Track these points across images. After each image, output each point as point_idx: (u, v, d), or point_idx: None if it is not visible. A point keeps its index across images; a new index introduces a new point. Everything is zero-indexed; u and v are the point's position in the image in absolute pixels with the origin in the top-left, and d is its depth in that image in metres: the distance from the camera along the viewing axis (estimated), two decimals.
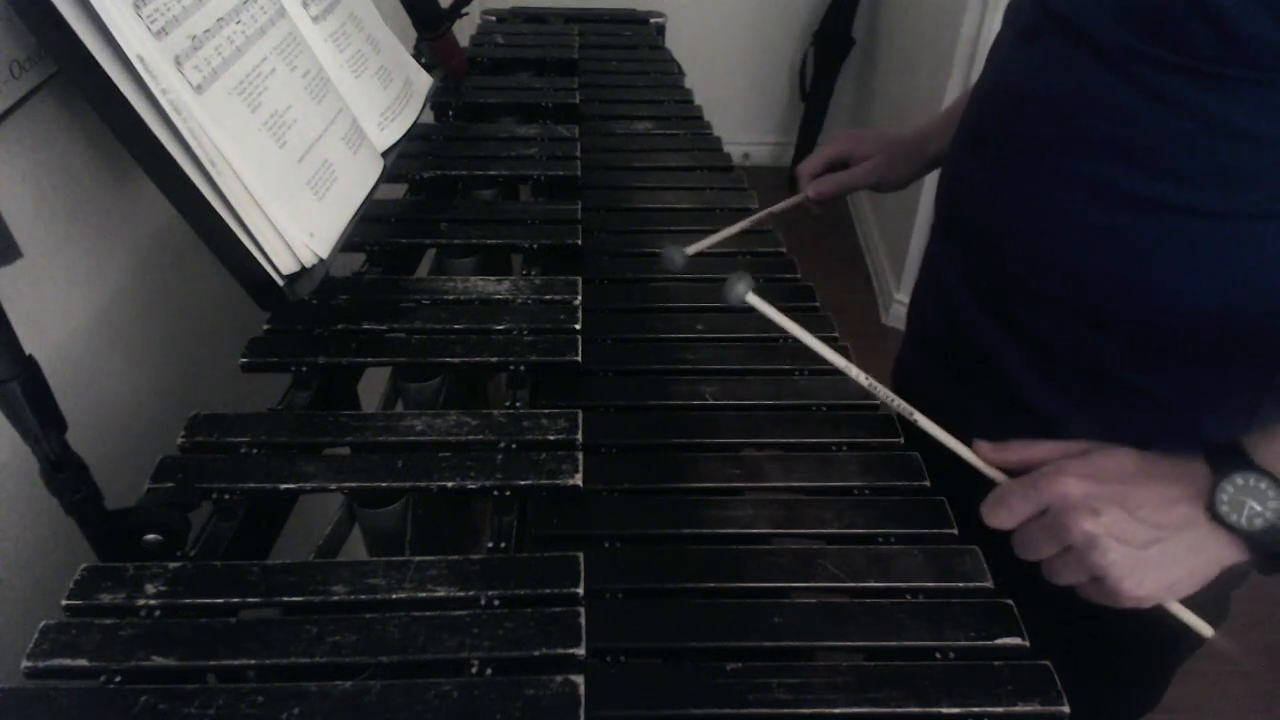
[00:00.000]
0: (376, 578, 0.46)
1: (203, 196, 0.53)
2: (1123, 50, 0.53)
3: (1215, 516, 0.47)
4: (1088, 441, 0.52)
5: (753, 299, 0.55)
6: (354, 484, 0.52)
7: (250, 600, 0.46)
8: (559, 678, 0.42)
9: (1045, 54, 0.59)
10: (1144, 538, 0.47)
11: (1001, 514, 0.51)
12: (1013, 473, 0.53)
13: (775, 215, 0.82)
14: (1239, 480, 0.47)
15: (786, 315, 0.56)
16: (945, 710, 0.44)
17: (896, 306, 2.27)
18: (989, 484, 0.54)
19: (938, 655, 0.47)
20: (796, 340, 0.57)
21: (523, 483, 0.53)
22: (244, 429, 0.55)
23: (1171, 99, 0.52)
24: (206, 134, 0.52)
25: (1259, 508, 0.46)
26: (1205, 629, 0.50)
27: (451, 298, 0.68)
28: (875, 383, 0.56)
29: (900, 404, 0.55)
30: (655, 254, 0.81)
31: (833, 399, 0.64)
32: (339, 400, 0.65)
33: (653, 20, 1.42)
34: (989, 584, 0.51)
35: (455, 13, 0.92)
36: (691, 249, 0.70)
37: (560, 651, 0.43)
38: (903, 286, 2.24)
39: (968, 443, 0.54)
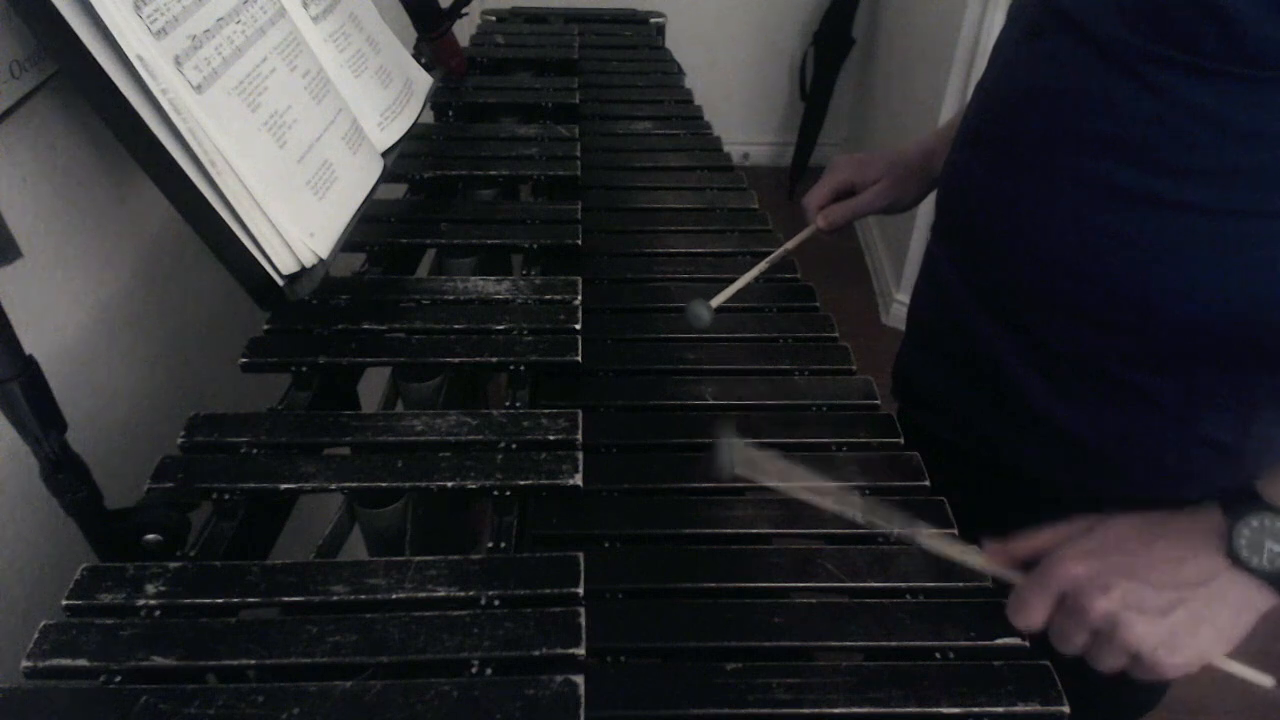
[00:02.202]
0: (376, 578, 0.46)
1: (203, 196, 0.53)
2: (1126, 48, 0.53)
3: (1236, 561, 0.46)
4: (1092, 517, 0.51)
5: (741, 470, 0.52)
6: (354, 484, 0.52)
7: (250, 600, 0.46)
8: (559, 678, 0.42)
9: (1049, 51, 0.59)
10: (1163, 603, 0.46)
11: (1025, 615, 0.49)
12: (1026, 568, 0.51)
13: (790, 251, 0.80)
14: (1254, 522, 0.46)
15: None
16: (945, 710, 0.44)
17: (896, 306, 2.27)
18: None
19: (938, 655, 0.47)
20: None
21: (523, 483, 0.53)
22: (244, 429, 0.55)
23: (1174, 97, 0.52)
24: (206, 134, 0.52)
25: (1278, 548, 0.45)
26: (1265, 680, 0.48)
27: (451, 298, 0.68)
28: (874, 511, 0.53)
29: (902, 528, 0.53)
30: (655, 254, 0.81)
31: (833, 399, 0.64)
32: (339, 400, 0.65)
33: (653, 20, 1.43)
34: (989, 584, 0.51)
35: (455, 13, 0.92)
36: (715, 301, 0.69)
37: (560, 651, 0.43)
38: (903, 286, 2.24)
39: (982, 539, 0.52)
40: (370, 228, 0.76)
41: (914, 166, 0.84)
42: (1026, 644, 0.48)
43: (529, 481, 0.53)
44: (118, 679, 0.42)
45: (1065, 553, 0.48)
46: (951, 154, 0.71)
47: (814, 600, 0.50)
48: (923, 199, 0.88)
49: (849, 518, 0.52)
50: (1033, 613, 0.48)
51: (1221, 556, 0.47)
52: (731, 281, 0.72)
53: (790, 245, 0.80)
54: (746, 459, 0.51)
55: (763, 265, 0.76)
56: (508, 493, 0.53)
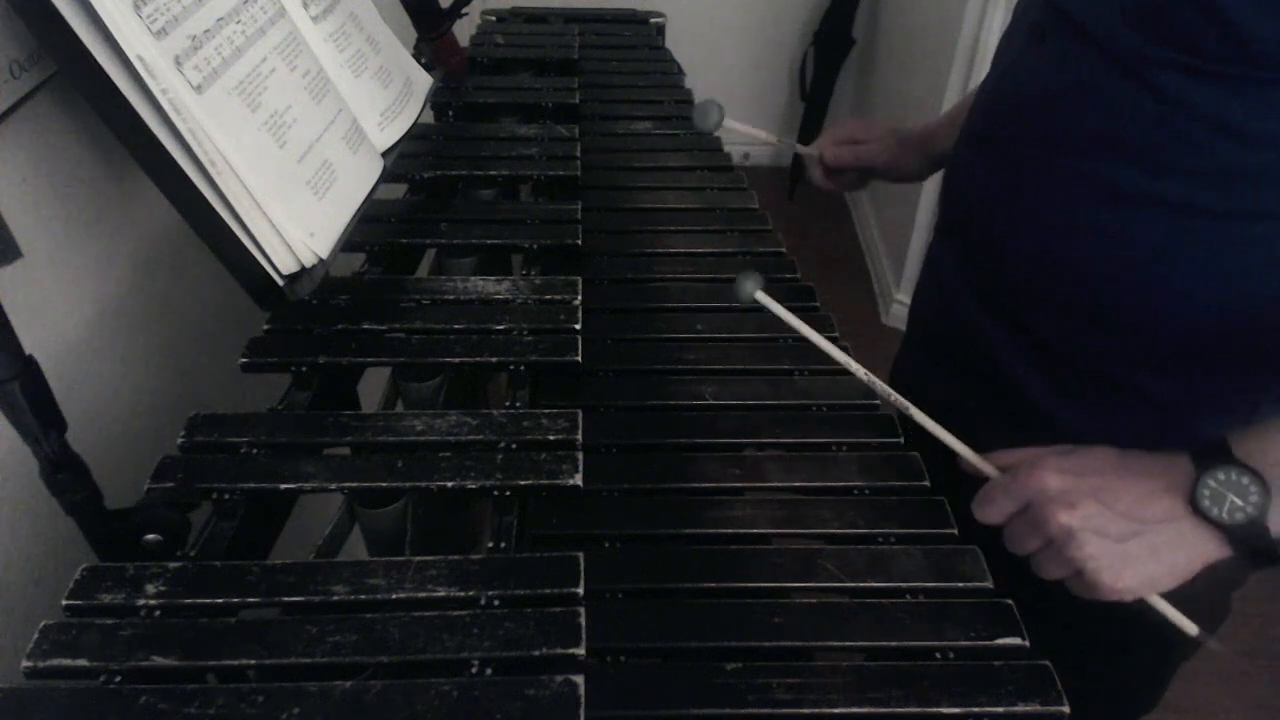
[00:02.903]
0: (376, 578, 0.46)
1: (203, 196, 0.53)
2: (1128, 50, 0.53)
3: (1197, 510, 0.48)
4: (1075, 445, 0.53)
5: (761, 297, 0.56)
6: (354, 484, 0.52)
7: (250, 600, 0.46)
8: (559, 678, 0.42)
9: (1052, 53, 0.59)
10: (1122, 531, 0.48)
11: (988, 510, 0.52)
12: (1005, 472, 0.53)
13: (784, 142, 0.87)
14: (1221, 475, 0.47)
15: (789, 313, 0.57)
16: (945, 710, 0.44)
17: (896, 306, 2.27)
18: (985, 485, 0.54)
19: (938, 655, 0.47)
20: (799, 339, 0.57)
21: (523, 483, 0.53)
22: (244, 429, 0.55)
23: (1176, 98, 0.52)
24: (206, 134, 0.52)
25: (1240, 502, 0.47)
26: (1190, 627, 0.50)
27: (451, 298, 0.68)
28: (874, 378, 0.57)
29: (897, 399, 0.57)
30: (655, 254, 0.81)
31: (833, 399, 0.64)
32: (339, 400, 0.65)
33: (653, 20, 1.42)
34: (989, 584, 0.51)
35: (455, 13, 0.92)
36: (728, 121, 0.73)
37: (560, 651, 0.43)
38: (903, 286, 2.24)
39: (964, 440, 0.55)
40: (370, 228, 0.76)
41: (915, 139, 0.88)
42: (1026, 644, 0.48)
43: (529, 481, 0.53)
44: (118, 679, 0.42)
45: (1042, 463, 0.51)
46: (955, 153, 0.72)
47: (814, 600, 0.50)
48: (920, 176, 0.91)
49: (852, 370, 0.57)
50: (997, 509, 0.52)
51: (1184, 502, 0.48)
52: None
53: (795, 144, 0.88)
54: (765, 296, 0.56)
55: (767, 134, 0.82)
56: (508, 493, 0.53)
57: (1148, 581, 0.49)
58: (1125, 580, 0.48)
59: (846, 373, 0.68)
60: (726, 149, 1.00)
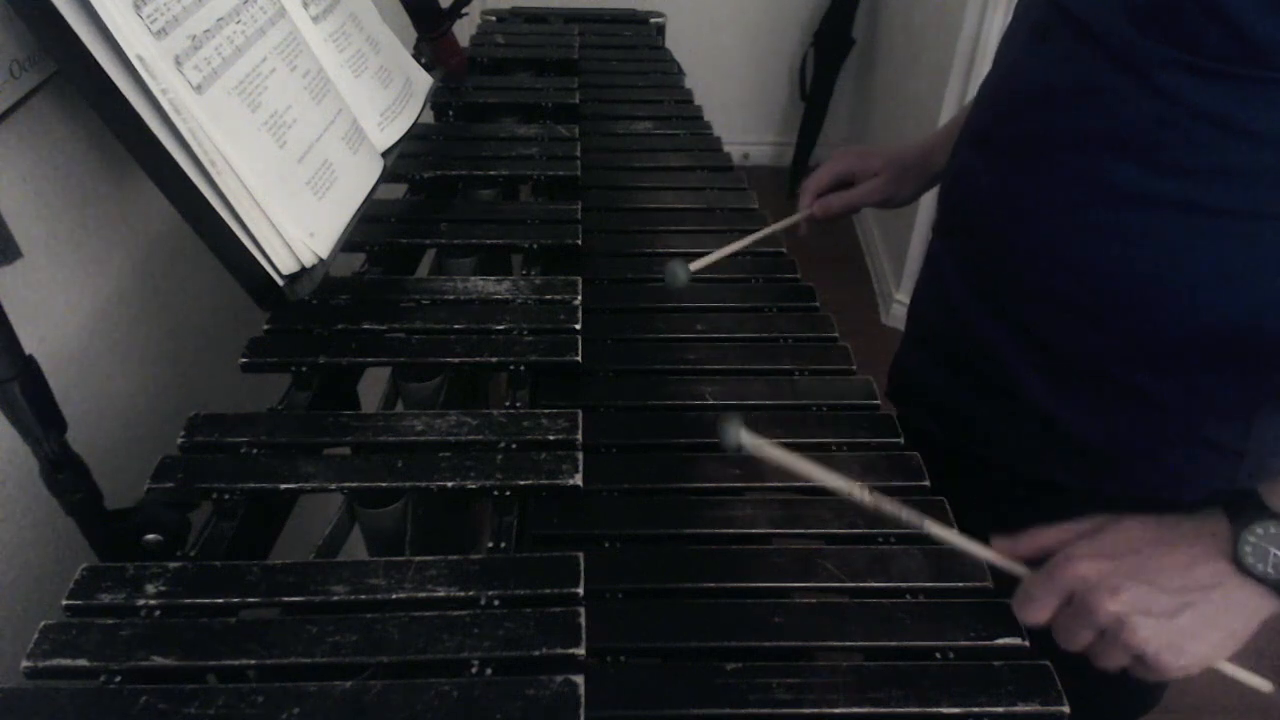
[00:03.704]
0: (376, 578, 0.46)
1: (203, 196, 0.53)
2: (1131, 48, 0.53)
3: (1241, 568, 0.47)
4: (1101, 517, 0.51)
5: (748, 441, 0.50)
6: (354, 484, 0.52)
7: (250, 600, 0.46)
8: (559, 678, 0.42)
9: (1054, 52, 0.59)
10: (1171, 606, 0.47)
11: (1031, 610, 0.49)
12: (1035, 563, 0.51)
13: (778, 231, 0.81)
14: (1259, 530, 0.46)
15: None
16: (945, 710, 0.44)
17: (896, 306, 2.27)
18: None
19: (938, 655, 0.47)
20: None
21: (523, 483, 0.53)
22: (244, 429, 0.55)
23: (1178, 97, 0.52)
24: (206, 134, 0.52)
25: None
26: (1264, 685, 0.49)
27: (451, 298, 0.68)
28: (881, 498, 0.51)
29: (909, 514, 0.51)
30: (655, 254, 0.81)
31: (833, 399, 0.64)
32: (339, 400, 0.65)
33: (653, 20, 1.42)
34: (989, 584, 0.51)
35: (455, 13, 0.92)
36: (695, 265, 0.69)
37: (560, 651, 0.43)
38: (903, 286, 2.24)
39: (984, 538, 0.52)
40: (370, 228, 0.76)
41: (912, 164, 0.85)
42: (1026, 644, 0.48)
43: (529, 481, 0.53)
44: (118, 679, 0.42)
45: (1075, 551, 0.49)
46: (955, 153, 0.72)
47: (814, 600, 0.50)
48: (919, 196, 0.89)
49: (856, 499, 0.51)
50: (1040, 609, 0.49)
51: (1227, 562, 0.47)
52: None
53: (779, 226, 0.82)
54: (752, 438, 0.50)
55: (746, 240, 0.77)
56: (508, 493, 0.53)
57: (1210, 651, 0.47)
58: (1188, 656, 0.47)
59: (847, 373, 0.68)
60: (726, 149, 1.00)
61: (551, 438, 0.56)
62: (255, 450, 0.54)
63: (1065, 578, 0.48)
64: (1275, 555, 0.46)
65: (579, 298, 0.69)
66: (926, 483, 0.58)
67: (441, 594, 0.46)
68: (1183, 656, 0.46)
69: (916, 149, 0.85)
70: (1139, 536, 0.49)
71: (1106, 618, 0.47)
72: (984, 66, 1.74)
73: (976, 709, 0.44)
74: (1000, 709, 0.44)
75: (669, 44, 1.37)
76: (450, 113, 1.01)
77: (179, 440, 0.54)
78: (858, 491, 0.51)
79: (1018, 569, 0.51)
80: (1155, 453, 0.63)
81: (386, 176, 0.71)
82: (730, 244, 0.76)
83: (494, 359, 0.63)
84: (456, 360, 0.62)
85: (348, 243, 0.63)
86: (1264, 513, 0.47)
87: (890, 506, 0.51)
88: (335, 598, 0.46)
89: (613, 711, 0.44)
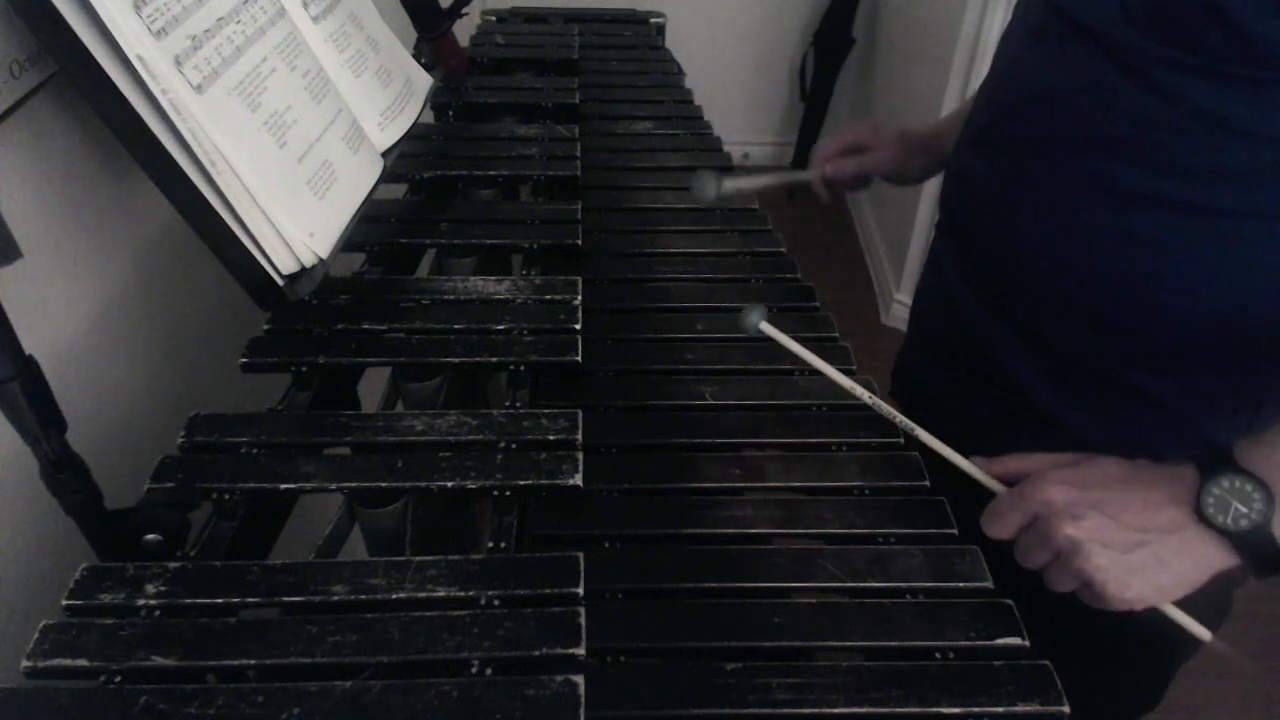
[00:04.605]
0: (376, 578, 0.46)
1: (203, 196, 0.53)
2: (1131, 49, 0.53)
3: (1201, 518, 0.48)
4: (1081, 454, 0.53)
5: (766, 327, 0.57)
6: (354, 484, 0.52)
7: (250, 600, 0.46)
8: (559, 678, 0.42)
9: (1054, 52, 0.59)
10: (1127, 541, 0.48)
11: (997, 524, 0.52)
12: (1010, 484, 0.53)
13: (790, 184, 0.85)
14: (1225, 483, 0.48)
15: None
16: (945, 710, 0.44)
17: (896, 306, 2.27)
18: (988, 491, 0.54)
19: (938, 655, 0.47)
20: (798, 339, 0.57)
21: (523, 483, 0.53)
22: (244, 429, 0.55)
23: (1179, 98, 0.52)
24: (206, 134, 0.52)
25: (1244, 509, 0.47)
26: (1203, 633, 0.50)
27: (451, 298, 0.68)
28: (878, 400, 0.57)
29: (902, 420, 0.57)
30: (655, 254, 0.81)
31: (833, 399, 0.64)
32: (339, 400, 0.65)
33: (653, 20, 1.42)
34: (989, 584, 0.51)
35: (455, 13, 0.92)
36: (728, 184, 0.70)
37: (560, 651, 0.43)
38: (903, 286, 2.24)
39: (966, 439, 0.55)
40: (370, 228, 0.76)
41: (921, 142, 0.87)
42: (1026, 644, 0.48)
43: (529, 481, 0.53)
44: (118, 679, 0.42)
45: (1047, 476, 0.51)
46: (957, 153, 0.72)
47: (814, 600, 0.50)
48: (926, 177, 0.91)
49: (857, 396, 0.56)
50: (1005, 524, 0.52)
51: (1190, 510, 0.49)
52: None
53: (803, 175, 0.86)
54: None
55: (775, 177, 0.82)
56: (508, 493, 0.53)
57: (1156, 591, 0.49)
58: (1133, 591, 0.48)
59: (848, 373, 0.68)
60: (726, 149, 1.00)
61: (551, 438, 0.56)
62: (255, 450, 0.54)
63: (1033, 498, 0.50)
64: (1237, 509, 0.47)
65: (579, 298, 0.69)
66: (926, 483, 0.58)
67: (441, 594, 0.46)
68: (1128, 590, 0.48)
69: (928, 129, 0.88)
70: (1111, 474, 0.51)
71: (1065, 541, 0.49)
72: (984, 66, 1.74)
73: (976, 709, 0.44)
74: (1000, 709, 0.44)
75: (669, 44, 1.37)
76: (450, 113, 1.01)
77: (179, 440, 0.55)
78: (859, 390, 0.57)
79: (995, 486, 0.54)
80: (1156, 453, 0.63)
81: (386, 176, 0.71)
82: (761, 177, 0.79)
83: (494, 359, 0.63)
84: (456, 360, 0.62)
85: (348, 243, 0.63)
86: (1231, 466, 0.48)
87: (886, 410, 0.57)
88: (335, 598, 0.46)
89: (613, 711, 0.44)
